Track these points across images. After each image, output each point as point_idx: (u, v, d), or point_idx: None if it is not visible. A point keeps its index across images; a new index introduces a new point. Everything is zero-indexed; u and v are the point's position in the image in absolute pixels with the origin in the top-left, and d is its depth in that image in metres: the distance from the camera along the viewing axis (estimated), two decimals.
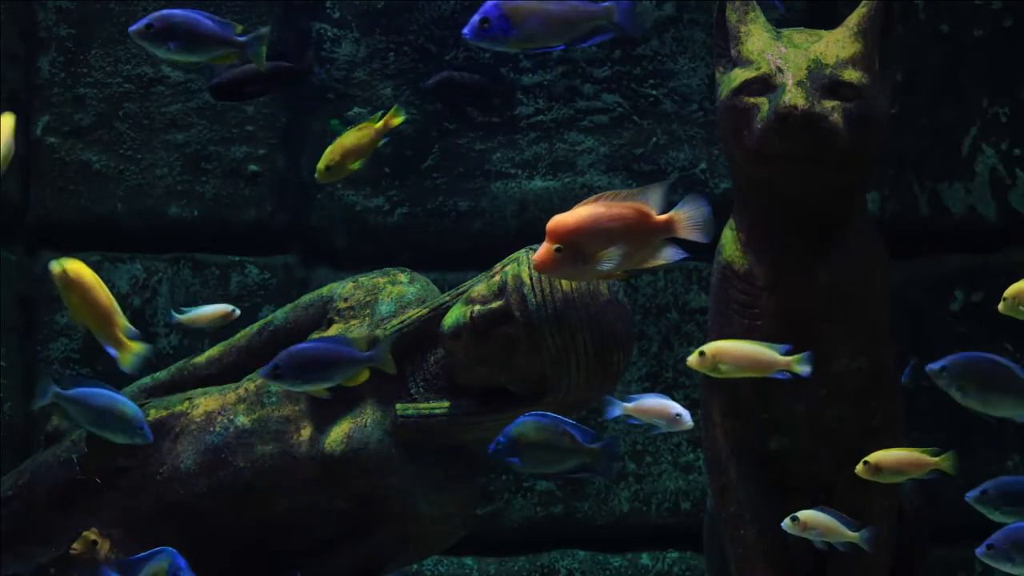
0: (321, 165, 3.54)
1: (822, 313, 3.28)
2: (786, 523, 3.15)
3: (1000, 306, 2.99)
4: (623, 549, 4.46)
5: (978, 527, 4.28)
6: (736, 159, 3.34)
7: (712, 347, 3.01)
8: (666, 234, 2.77)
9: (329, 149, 3.55)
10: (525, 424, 3.06)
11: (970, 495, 3.00)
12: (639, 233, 2.75)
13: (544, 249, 2.76)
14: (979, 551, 2.98)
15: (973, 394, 2.98)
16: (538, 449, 3.06)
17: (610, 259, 2.74)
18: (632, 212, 2.76)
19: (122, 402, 3.19)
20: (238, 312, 3.72)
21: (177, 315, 3.78)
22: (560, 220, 2.76)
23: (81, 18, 4.48)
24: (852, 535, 3.13)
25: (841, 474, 3.33)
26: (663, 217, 2.77)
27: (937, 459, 3.11)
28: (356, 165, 3.57)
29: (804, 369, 3.00)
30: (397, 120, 3.61)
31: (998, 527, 3.08)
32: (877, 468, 3.11)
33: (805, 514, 3.15)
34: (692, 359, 3.02)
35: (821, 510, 3.16)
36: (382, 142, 3.62)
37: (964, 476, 3.22)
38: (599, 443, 3.05)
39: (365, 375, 3.23)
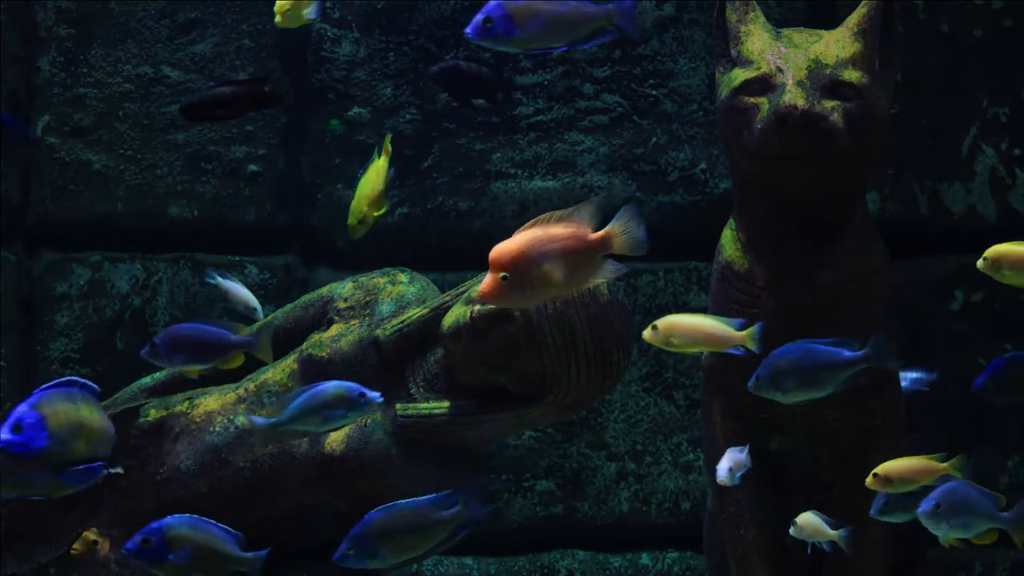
0: (352, 221, 3.59)
1: (822, 313, 3.28)
2: (793, 530, 3.16)
3: (979, 263, 2.99)
4: (623, 549, 4.46)
5: None
6: (736, 159, 3.34)
7: (664, 321, 3.01)
8: (603, 251, 2.76)
9: (353, 205, 3.62)
10: (378, 521, 3.06)
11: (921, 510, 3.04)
12: (578, 252, 2.75)
13: (489, 279, 2.74)
14: (921, 510, 3.02)
15: (792, 387, 3.01)
16: (401, 537, 3.07)
17: (555, 281, 2.74)
18: (569, 232, 2.75)
19: (328, 389, 3.13)
20: (260, 313, 3.72)
21: (215, 277, 3.78)
22: (502, 248, 2.75)
23: (81, 18, 4.48)
24: (832, 534, 3.14)
25: (840, 475, 3.33)
26: (598, 234, 2.76)
27: (946, 464, 3.10)
28: (384, 208, 3.64)
29: (756, 345, 3.00)
30: (387, 144, 3.68)
31: (998, 530, 3.10)
32: (887, 479, 3.10)
33: (801, 518, 3.16)
34: (646, 333, 3.02)
35: (812, 512, 3.18)
36: (390, 174, 3.69)
37: (965, 476, 3.22)
38: (456, 509, 3.08)
39: (239, 360, 3.28)
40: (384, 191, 3.62)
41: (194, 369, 3.36)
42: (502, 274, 2.72)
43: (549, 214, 2.78)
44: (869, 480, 3.11)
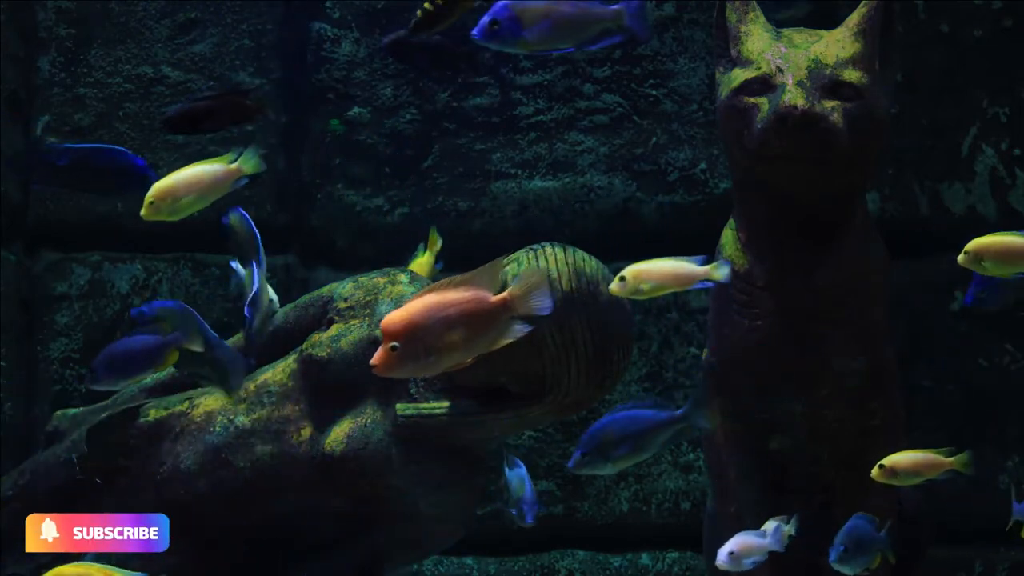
0: None
1: (822, 313, 3.28)
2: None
3: (960, 258, 3.01)
4: (623, 549, 4.46)
5: (978, 527, 4.29)
6: (736, 159, 3.34)
7: (630, 270, 3.02)
8: (507, 313, 2.68)
9: None
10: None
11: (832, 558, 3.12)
12: (478, 317, 2.66)
13: (380, 350, 2.64)
14: (832, 558, 3.12)
15: (620, 456, 3.07)
16: None
17: (453, 348, 2.66)
18: (468, 297, 2.67)
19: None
20: (276, 305, 3.72)
21: (240, 265, 3.79)
22: (392, 316, 2.65)
23: (81, 18, 4.48)
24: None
25: (840, 475, 3.33)
26: (499, 297, 2.68)
27: (952, 459, 3.12)
28: None
29: (722, 276, 3.02)
30: (435, 238, 3.74)
31: (998, 527, 3.11)
32: (893, 471, 3.11)
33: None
34: (613, 286, 3.04)
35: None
36: (437, 269, 3.74)
37: (966, 476, 3.23)
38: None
39: (175, 357, 3.27)
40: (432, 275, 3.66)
41: (138, 381, 3.40)
42: (391, 344, 2.62)
43: (449, 279, 2.72)
44: (875, 472, 3.12)
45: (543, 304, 2.69)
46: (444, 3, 3.19)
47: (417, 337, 2.62)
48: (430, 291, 2.66)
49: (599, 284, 3.30)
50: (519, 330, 2.70)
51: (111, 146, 3.51)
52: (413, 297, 2.69)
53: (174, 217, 3.18)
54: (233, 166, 3.18)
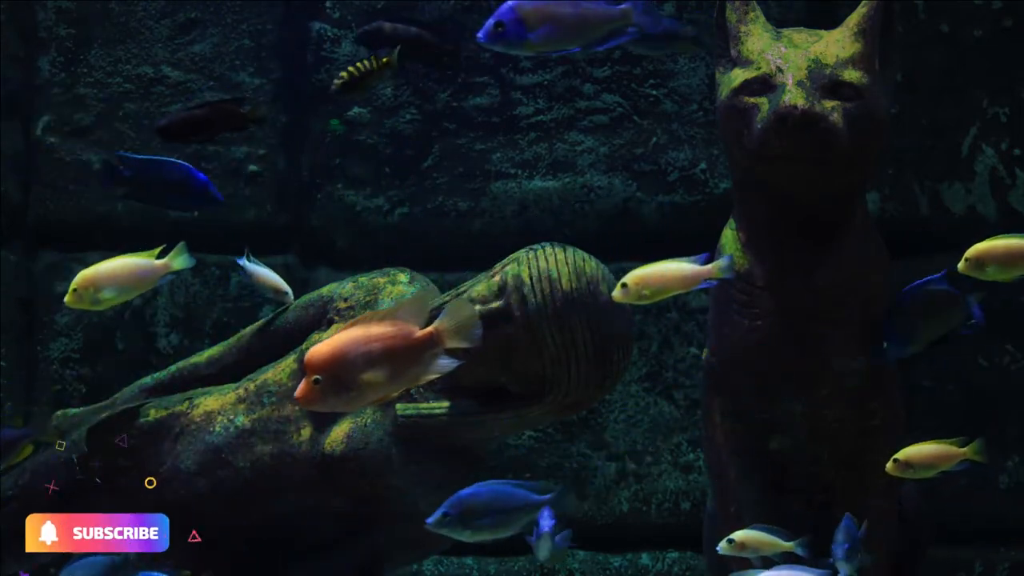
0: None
1: (822, 313, 3.28)
2: (722, 546, 3.13)
3: (960, 265, 3.01)
4: (623, 549, 4.46)
5: (978, 527, 4.29)
6: (736, 159, 3.34)
7: (632, 276, 3.01)
8: (433, 347, 2.67)
9: None
10: None
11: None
12: (403, 351, 2.65)
13: (303, 383, 2.63)
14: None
15: (481, 527, 3.10)
16: None
17: (376, 382, 2.64)
18: (392, 332, 2.65)
19: None
20: (291, 297, 3.71)
21: (246, 261, 3.78)
22: (315, 350, 2.63)
23: (81, 18, 4.48)
24: (788, 545, 3.12)
25: (840, 475, 3.33)
26: (426, 331, 2.67)
27: (965, 449, 3.11)
28: None
29: (725, 272, 3.03)
30: None
31: (998, 527, 3.10)
32: (907, 464, 3.10)
33: (739, 535, 3.13)
34: (616, 293, 3.03)
35: (756, 528, 3.15)
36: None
37: (966, 476, 3.23)
38: None
39: (29, 450, 3.40)
40: None
41: None
42: (314, 377, 2.61)
43: (374, 312, 2.70)
44: (890, 466, 3.11)
45: (472, 337, 2.69)
46: (365, 69, 3.23)
47: (340, 371, 2.61)
48: (355, 324, 2.64)
49: (599, 284, 3.30)
50: (445, 364, 2.68)
51: (175, 160, 3.54)
52: (338, 330, 2.68)
53: (97, 307, 3.22)
54: (160, 262, 3.21)
